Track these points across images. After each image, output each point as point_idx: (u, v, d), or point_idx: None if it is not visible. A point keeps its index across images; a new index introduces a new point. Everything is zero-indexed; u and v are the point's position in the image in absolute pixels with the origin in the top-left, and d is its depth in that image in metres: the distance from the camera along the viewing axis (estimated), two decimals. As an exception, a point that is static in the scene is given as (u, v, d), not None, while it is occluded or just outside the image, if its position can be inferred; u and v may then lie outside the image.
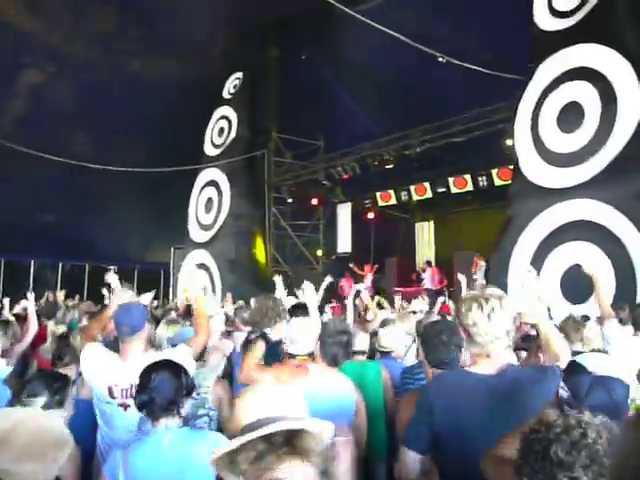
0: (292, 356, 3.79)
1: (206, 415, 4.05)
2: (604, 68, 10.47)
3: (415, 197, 18.22)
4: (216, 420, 4.08)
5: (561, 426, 1.44)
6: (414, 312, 6.88)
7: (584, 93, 10.73)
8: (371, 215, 20.29)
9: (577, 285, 10.10)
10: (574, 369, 1.72)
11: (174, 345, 3.93)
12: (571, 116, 10.86)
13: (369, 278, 17.44)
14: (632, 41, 10.50)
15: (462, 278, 8.36)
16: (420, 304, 7.47)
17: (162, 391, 2.68)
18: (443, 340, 3.11)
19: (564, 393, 1.73)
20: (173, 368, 2.81)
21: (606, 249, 9.86)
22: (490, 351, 2.39)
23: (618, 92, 10.21)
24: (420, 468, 2.47)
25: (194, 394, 2.97)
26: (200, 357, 4.38)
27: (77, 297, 12.38)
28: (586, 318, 7.23)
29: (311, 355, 3.95)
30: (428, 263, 18.15)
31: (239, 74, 20.18)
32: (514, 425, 1.91)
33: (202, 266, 18.74)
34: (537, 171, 11.29)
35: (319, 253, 20.92)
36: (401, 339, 5.15)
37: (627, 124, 9.98)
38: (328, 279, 7.53)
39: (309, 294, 5.05)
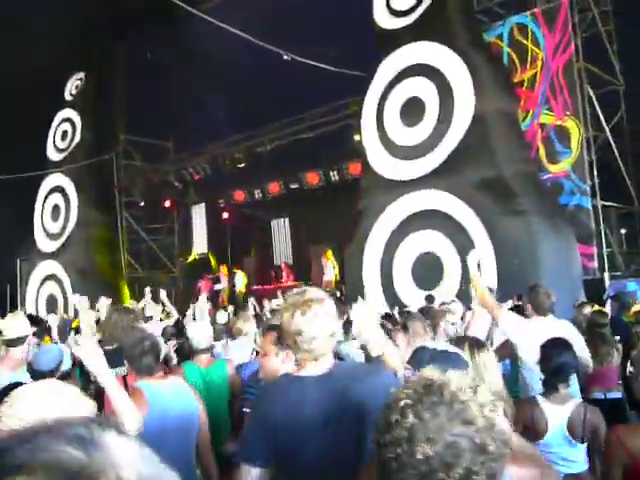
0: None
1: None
2: (439, 64, 11.04)
3: (269, 195, 18.32)
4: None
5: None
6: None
7: (423, 88, 11.24)
8: (226, 215, 20.13)
9: (426, 272, 10.63)
10: (417, 350, 1.81)
11: None
12: (413, 110, 11.34)
13: (224, 280, 17.47)
14: (462, 39, 11.17)
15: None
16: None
17: None
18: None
19: (408, 372, 1.79)
20: None
21: (450, 236, 10.40)
22: (316, 355, 2.37)
23: (453, 86, 10.80)
24: None
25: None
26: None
27: None
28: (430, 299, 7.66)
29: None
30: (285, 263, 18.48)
31: (80, 74, 19.30)
32: (352, 419, 2.00)
33: (52, 277, 17.80)
34: (384, 164, 11.69)
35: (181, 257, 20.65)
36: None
37: (463, 117, 10.58)
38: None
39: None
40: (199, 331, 4.51)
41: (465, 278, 9.88)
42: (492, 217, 9.98)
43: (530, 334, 4.36)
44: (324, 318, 2.34)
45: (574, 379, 3.81)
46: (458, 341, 2.92)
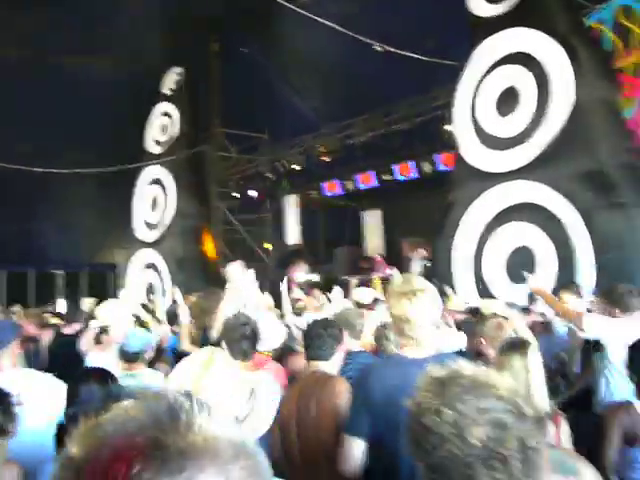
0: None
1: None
2: (537, 52, 10.65)
3: (361, 186, 18.29)
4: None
5: None
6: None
7: (519, 77, 10.89)
8: (318, 206, 20.31)
9: (520, 266, 10.31)
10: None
11: None
12: (508, 100, 11.02)
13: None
14: (563, 25, 10.71)
15: (394, 271, 8.57)
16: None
17: (90, 402, 2.63)
18: (319, 333, 3.41)
19: None
20: (101, 376, 2.78)
21: (546, 229, 10.06)
22: (419, 342, 2.50)
23: (551, 75, 10.40)
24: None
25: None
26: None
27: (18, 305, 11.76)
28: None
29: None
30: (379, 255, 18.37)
31: (178, 69, 19.89)
32: None
33: (151, 265, 18.50)
34: (477, 155, 11.43)
35: (268, 246, 20.96)
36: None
37: (561, 107, 10.17)
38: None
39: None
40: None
41: (560, 274, 9.59)
42: (590, 210, 9.57)
43: (620, 334, 4.14)
44: (429, 307, 2.49)
45: None
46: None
